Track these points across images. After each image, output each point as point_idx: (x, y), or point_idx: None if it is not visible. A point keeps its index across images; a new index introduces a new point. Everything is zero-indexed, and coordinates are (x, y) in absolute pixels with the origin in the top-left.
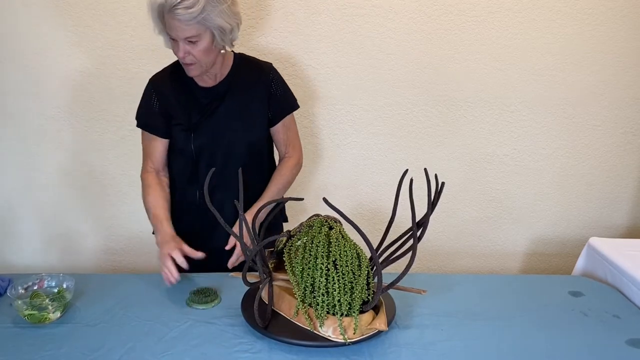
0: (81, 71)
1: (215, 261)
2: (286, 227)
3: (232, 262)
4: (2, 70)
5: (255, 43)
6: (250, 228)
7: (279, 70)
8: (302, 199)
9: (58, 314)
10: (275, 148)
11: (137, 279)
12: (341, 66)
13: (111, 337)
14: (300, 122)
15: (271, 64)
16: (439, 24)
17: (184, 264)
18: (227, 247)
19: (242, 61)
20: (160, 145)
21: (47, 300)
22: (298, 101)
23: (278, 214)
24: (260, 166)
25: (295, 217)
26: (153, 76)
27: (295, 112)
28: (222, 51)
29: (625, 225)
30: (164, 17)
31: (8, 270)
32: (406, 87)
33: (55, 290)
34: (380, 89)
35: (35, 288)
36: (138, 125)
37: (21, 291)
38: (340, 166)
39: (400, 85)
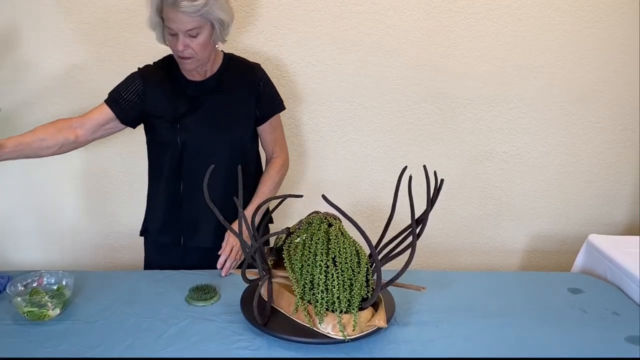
0: (81, 68)
1: (197, 261)
2: (272, 228)
3: (220, 262)
4: (2, 67)
5: (254, 40)
6: (250, 226)
7: (279, 68)
8: (301, 196)
9: (57, 311)
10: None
11: (136, 276)
12: (340, 63)
13: (110, 334)
14: (299, 120)
15: (259, 64)
16: (438, 21)
17: None
18: (220, 252)
19: (232, 60)
20: (105, 116)
21: (46, 298)
22: (297, 99)
23: (265, 215)
24: (246, 166)
25: (295, 214)
26: (142, 67)
27: (295, 110)
28: (217, 46)
29: (624, 222)
30: (162, 11)
31: (7, 267)
32: (405, 84)
33: (55, 288)
34: (379, 86)
35: (34, 285)
36: (106, 101)
37: (20, 288)
38: (339, 163)
39: (399, 82)
